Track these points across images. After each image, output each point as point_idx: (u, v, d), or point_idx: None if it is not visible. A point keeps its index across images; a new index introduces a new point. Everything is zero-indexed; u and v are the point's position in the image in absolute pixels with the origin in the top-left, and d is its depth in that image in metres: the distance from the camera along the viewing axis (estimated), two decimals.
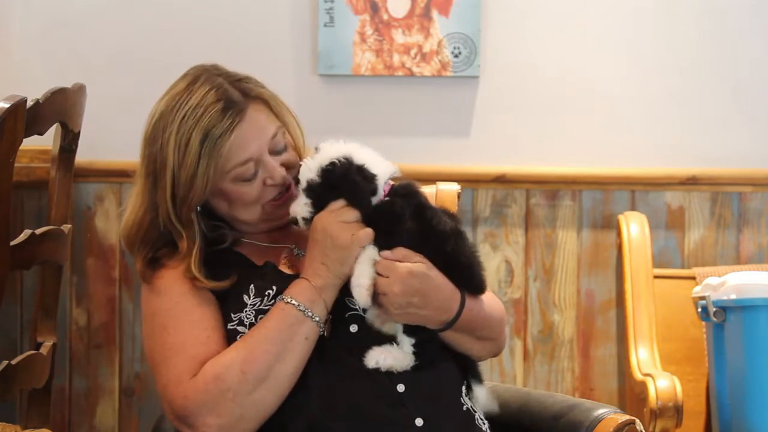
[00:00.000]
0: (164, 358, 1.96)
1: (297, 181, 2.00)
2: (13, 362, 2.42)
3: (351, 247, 1.92)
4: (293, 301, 1.92)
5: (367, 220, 1.95)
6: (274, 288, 1.98)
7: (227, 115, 1.97)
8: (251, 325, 1.95)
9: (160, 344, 1.97)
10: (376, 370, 1.92)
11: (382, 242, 1.95)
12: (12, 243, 2.31)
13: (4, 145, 2.19)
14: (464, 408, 1.99)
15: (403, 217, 1.96)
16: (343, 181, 1.95)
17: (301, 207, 1.98)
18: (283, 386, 1.90)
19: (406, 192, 2.00)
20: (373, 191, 1.95)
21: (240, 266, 2.04)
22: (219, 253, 2.06)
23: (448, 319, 1.96)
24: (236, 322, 1.96)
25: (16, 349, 3.02)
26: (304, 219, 1.98)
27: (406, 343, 1.95)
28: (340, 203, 1.95)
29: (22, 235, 2.39)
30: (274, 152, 2.04)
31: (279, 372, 1.89)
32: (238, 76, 2.06)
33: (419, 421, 1.91)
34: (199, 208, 2.02)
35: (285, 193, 2.05)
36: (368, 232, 1.93)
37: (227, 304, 1.99)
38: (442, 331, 1.97)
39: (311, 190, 1.97)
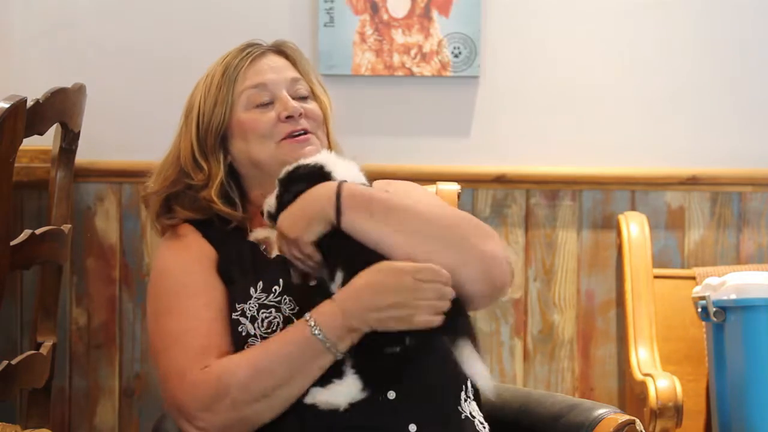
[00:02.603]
0: (166, 345, 1.95)
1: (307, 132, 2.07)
2: (13, 362, 2.42)
3: (397, 328, 1.83)
4: (320, 335, 1.84)
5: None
6: (281, 282, 1.97)
7: (246, 50, 2.12)
8: (252, 318, 1.94)
9: (163, 329, 1.97)
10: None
11: None
12: (12, 243, 2.31)
13: (4, 145, 2.19)
14: (462, 416, 1.97)
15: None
16: (298, 183, 1.95)
17: (271, 199, 1.99)
18: (284, 405, 1.88)
19: None
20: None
21: (253, 257, 2.04)
22: (235, 241, 2.06)
23: (332, 205, 1.88)
24: (239, 312, 1.96)
25: (16, 349, 3.02)
26: (269, 212, 1.98)
27: (350, 371, 1.87)
28: (429, 274, 1.84)
29: (22, 235, 2.40)
30: (296, 97, 2.10)
31: (283, 393, 1.87)
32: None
33: (413, 427, 1.88)
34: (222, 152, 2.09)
35: (303, 135, 2.07)
36: (430, 320, 1.83)
37: (234, 292, 1.99)
38: (338, 219, 1.87)
39: (280, 184, 1.98)
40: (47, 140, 2.71)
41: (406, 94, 3.07)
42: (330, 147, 2.13)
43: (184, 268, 2.02)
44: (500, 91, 3.08)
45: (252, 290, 1.97)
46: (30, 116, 2.33)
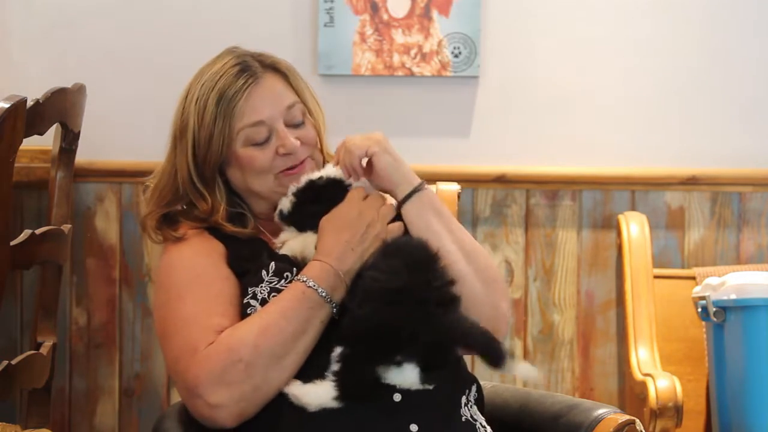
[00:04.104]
0: (177, 328, 1.96)
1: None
2: (13, 362, 2.42)
3: (380, 238, 1.97)
4: (315, 286, 1.92)
5: None
6: (294, 271, 2.00)
7: (241, 77, 2.07)
8: (263, 300, 1.96)
9: (175, 314, 1.98)
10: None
11: None
12: (12, 243, 2.31)
13: (4, 145, 2.19)
14: (464, 419, 1.98)
15: None
16: (314, 201, 2.02)
17: (285, 201, 2.04)
18: (294, 365, 1.91)
19: None
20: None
21: (264, 249, 2.06)
22: (243, 240, 2.08)
23: (416, 182, 2.02)
24: (250, 295, 1.98)
25: (16, 349, 3.02)
26: (281, 212, 2.03)
27: (333, 358, 1.90)
28: (361, 191, 2.01)
29: (22, 235, 2.40)
30: (291, 125, 2.09)
31: (291, 351, 1.90)
32: (263, 53, 2.15)
33: (414, 427, 1.90)
34: (219, 176, 2.10)
35: (299, 165, 2.09)
36: (396, 226, 1.99)
37: (246, 278, 2.01)
38: (413, 194, 2.01)
39: (296, 195, 2.03)
40: (47, 140, 2.71)
41: (406, 94, 3.07)
42: (325, 161, 2.15)
43: (195, 261, 2.04)
44: (500, 91, 3.08)
45: (264, 273, 2.00)
46: (30, 116, 2.33)
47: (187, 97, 2.10)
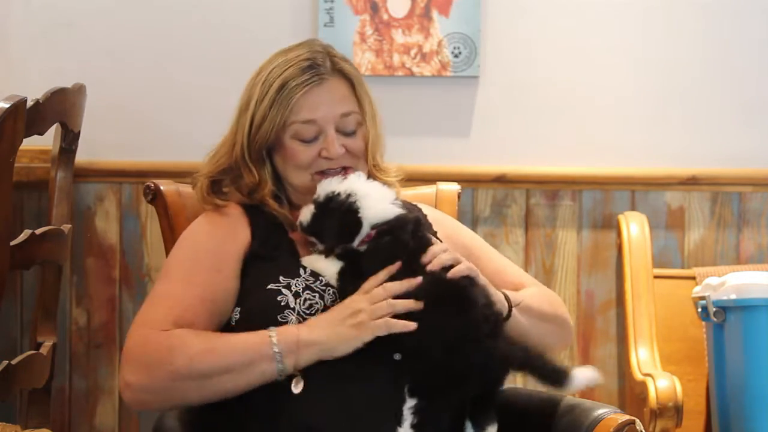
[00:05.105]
0: (152, 300, 2.02)
1: (345, 169, 2.11)
2: (13, 362, 2.43)
3: (360, 336, 1.95)
4: (274, 340, 1.94)
5: (363, 264, 2.00)
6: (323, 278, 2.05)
7: (307, 72, 2.10)
8: (296, 294, 2.00)
9: (157, 288, 2.04)
10: (398, 401, 1.92)
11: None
12: (12, 243, 2.31)
13: (4, 145, 2.19)
14: None
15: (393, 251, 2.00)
16: (330, 218, 2.01)
17: (307, 212, 2.05)
18: (213, 396, 1.94)
19: (389, 228, 2.02)
20: (349, 237, 2.00)
21: (294, 251, 2.10)
22: (277, 233, 2.11)
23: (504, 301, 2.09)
24: (284, 284, 2.01)
25: (16, 349, 3.02)
26: (301, 224, 2.05)
27: (408, 411, 1.91)
28: (373, 282, 1.98)
29: (22, 235, 2.40)
30: (342, 132, 2.11)
31: (219, 382, 1.93)
32: (339, 54, 2.17)
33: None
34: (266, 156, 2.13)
35: (339, 173, 2.10)
36: (390, 323, 1.95)
37: (278, 265, 2.04)
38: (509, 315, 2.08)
39: (316, 207, 2.04)
40: (47, 140, 2.71)
41: (406, 94, 3.07)
42: (371, 173, 2.16)
43: (206, 243, 2.08)
44: (500, 91, 3.08)
45: (302, 271, 2.03)
46: (30, 116, 2.33)
47: (258, 75, 2.14)
